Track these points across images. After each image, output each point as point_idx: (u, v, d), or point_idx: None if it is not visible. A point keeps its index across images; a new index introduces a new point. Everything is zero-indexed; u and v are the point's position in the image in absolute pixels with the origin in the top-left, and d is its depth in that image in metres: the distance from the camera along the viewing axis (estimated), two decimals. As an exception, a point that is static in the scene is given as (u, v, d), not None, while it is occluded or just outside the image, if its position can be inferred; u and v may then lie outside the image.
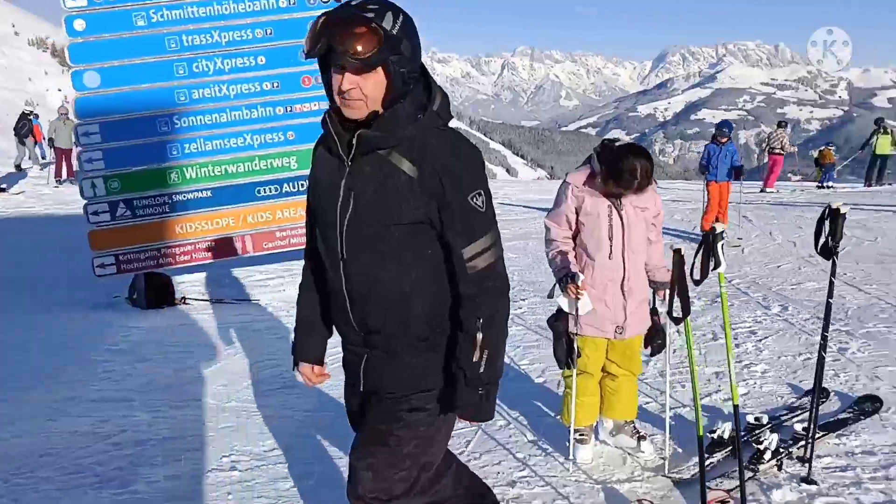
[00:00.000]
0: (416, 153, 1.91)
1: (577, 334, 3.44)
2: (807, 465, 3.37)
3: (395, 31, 1.79)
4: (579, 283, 3.31)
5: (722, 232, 2.82)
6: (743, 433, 3.71)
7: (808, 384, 4.50)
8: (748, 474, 3.33)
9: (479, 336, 1.98)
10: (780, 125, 18.80)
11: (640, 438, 3.69)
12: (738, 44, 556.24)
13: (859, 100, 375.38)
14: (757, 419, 3.82)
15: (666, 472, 3.47)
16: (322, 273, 2.14)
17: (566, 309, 3.42)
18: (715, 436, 3.60)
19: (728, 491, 3.21)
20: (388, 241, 1.95)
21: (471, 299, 1.99)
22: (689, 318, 2.76)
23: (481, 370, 2.00)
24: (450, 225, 1.95)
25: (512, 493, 3.32)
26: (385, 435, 2.07)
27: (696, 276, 2.61)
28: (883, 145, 18.97)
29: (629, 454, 3.68)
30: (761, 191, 17.96)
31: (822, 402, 4.13)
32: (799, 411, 4.04)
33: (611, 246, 3.36)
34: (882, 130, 19.03)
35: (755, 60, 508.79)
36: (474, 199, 1.95)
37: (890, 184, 20.22)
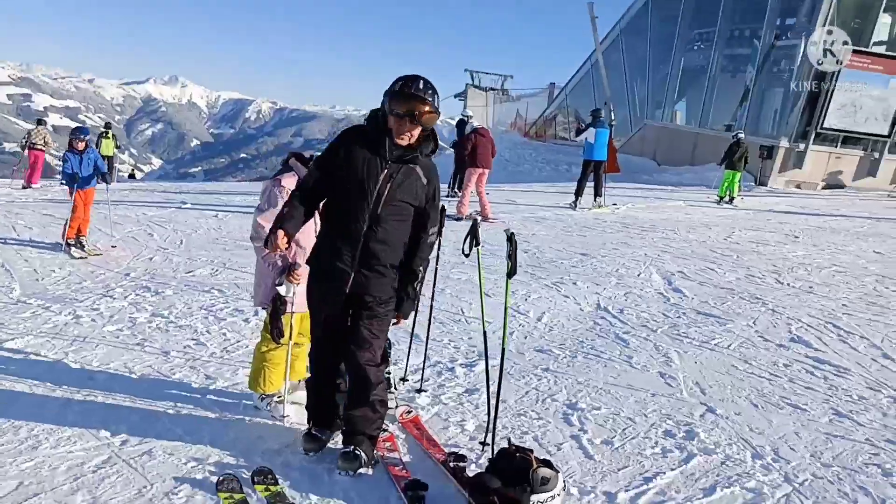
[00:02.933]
0: (426, 172, 3.49)
1: (294, 312, 4.02)
2: (405, 382, 4.87)
3: (436, 108, 3.32)
4: (298, 271, 3.94)
5: (477, 220, 4.11)
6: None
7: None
8: (392, 394, 4.62)
9: (421, 272, 3.71)
10: (39, 122, 19.61)
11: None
12: None
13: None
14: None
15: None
16: (332, 212, 3.47)
17: (285, 293, 3.96)
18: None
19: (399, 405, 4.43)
20: (403, 212, 3.44)
21: (422, 253, 3.60)
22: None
23: (418, 291, 3.80)
24: (430, 213, 3.55)
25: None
26: (375, 325, 3.52)
27: (466, 250, 3.85)
28: (107, 147, 20.67)
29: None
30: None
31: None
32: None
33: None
34: (105, 135, 20.91)
35: None
36: (439, 201, 3.66)
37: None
